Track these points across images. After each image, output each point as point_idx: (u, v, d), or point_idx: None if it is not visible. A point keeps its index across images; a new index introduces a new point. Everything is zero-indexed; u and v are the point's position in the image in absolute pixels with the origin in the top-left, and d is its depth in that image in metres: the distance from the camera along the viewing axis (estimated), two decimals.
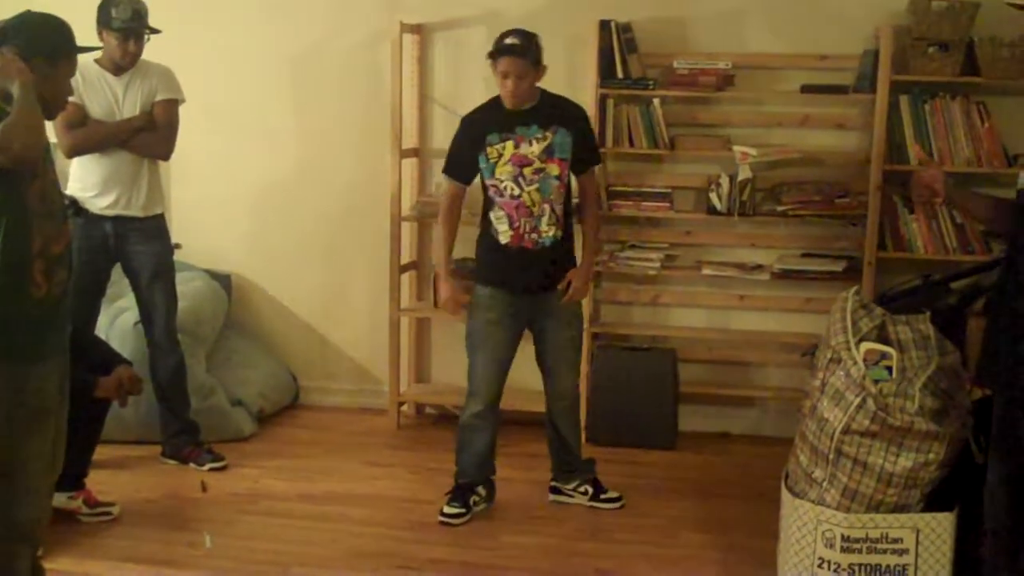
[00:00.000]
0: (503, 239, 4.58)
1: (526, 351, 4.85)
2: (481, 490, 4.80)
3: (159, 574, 4.18)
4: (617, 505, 4.86)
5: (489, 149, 4.52)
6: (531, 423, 5.38)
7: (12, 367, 3.32)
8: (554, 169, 4.52)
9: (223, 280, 6.09)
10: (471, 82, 5.72)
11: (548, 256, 4.59)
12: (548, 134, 4.51)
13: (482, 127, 4.55)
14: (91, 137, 4.96)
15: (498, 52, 4.45)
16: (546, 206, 4.54)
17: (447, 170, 4.68)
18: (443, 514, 4.69)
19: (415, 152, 5.92)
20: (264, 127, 6.07)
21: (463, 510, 4.71)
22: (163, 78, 5.09)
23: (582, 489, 4.90)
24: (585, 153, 4.64)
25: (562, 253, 4.65)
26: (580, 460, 4.93)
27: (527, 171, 4.51)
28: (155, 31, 4.99)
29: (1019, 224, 3.38)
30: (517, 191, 4.52)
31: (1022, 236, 3.34)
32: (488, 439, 4.78)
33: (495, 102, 4.57)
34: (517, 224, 4.55)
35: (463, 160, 4.60)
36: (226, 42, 5.99)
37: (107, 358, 4.58)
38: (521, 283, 4.61)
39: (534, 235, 4.55)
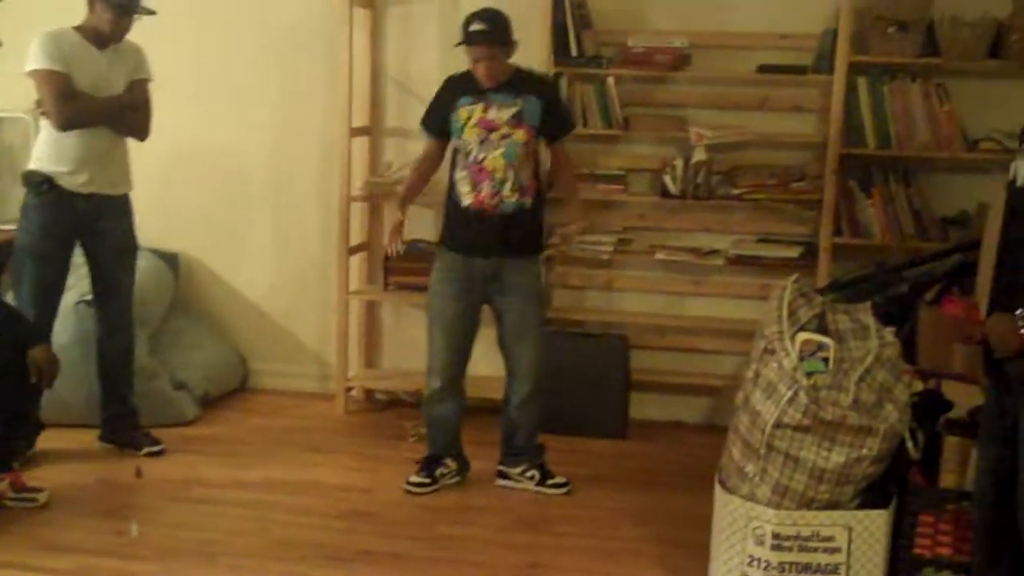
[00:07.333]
0: (464, 200, 4.57)
1: (485, 337, 4.81)
2: (451, 463, 4.81)
3: (80, 563, 4.05)
4: (564, 491, 4.78)
5: (460, 110, 4.54)
6: (481, 409, 5.28)
7: None
8: (521, 136, 4.52)
9: (170, 259, 5.96)
10: (425, 59, 5.62)
11: (507, 221, 4.56)
12: (519, 101, 4.53)
13: (458, 89, 4.58)
14: (86, 111, 4.77)
15: (467, 41, 4.46)
16: (510, 172, 4.53)
17: (423, 121, 4.74)
18: (408, 482, 4.73)
19: (366, 130, 5.78)
20: (213, 103, 5.94)
21: (427, 481, 4.74)
22: (139, 57, 4.97)
23: (529, 474, 4.83)
24: (556, 120, 4.63)
25: (524, 221, 4.61)
26: (531, 446, 4.85)
27: (494, 136, 4.52)
28: (150, 12, 4.84)
29: (1012, 218, 3.18)
30: (482, 155, 4.53)
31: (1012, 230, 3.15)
32: (450, 414, 4.77)
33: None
34: (479, 187, 4.54)
35: (435, 115, 4.66)
36: (175, 14, 5.78)
37: (25, 336, 4.46)
38: (475, 245, 4.57)
39: (495, 200, 4.53)
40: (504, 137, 4.51)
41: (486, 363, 5.05)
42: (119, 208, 5.02)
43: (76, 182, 4.84)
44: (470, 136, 4.52)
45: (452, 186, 4.63)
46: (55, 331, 4.96)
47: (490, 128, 4.51)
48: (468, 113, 4.52)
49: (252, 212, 6.03)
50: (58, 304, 4.97)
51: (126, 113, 4.89)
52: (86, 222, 4.91)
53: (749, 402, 3.62)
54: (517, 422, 4.80)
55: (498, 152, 4.50)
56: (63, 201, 4.83)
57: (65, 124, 4.74)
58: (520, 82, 4.56)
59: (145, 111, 4.97)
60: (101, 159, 4.89)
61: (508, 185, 4.52)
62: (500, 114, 4.50)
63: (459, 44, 4.48)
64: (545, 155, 4.75)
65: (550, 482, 4.80)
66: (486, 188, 4.53)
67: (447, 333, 4.66)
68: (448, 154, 4.70)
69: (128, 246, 5.09)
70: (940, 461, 3.66)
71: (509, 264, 4.60)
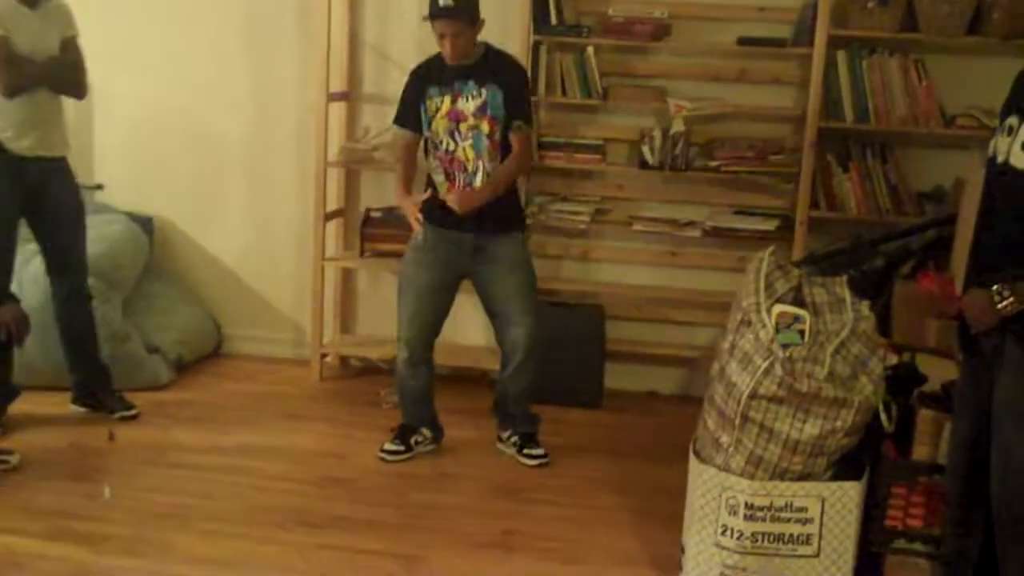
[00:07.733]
0: (441, 189, 4.58)
1: (464, 306, 4.81)
2: (426, 431, 4.83)
3: (52, 525, 4.04)
4: (535, 463, 4.77)
5: (428, 102, 4.54)
6: (462, 378, 5.28)
7: None
8: (486, 127, 4.51)
9: (144, 223, 5.91)
10: (403, 26, 5.57)
11: (484, 206, 4.53)
12: (483, 91, 4.49)
13: (425, 80, 4.57)
14: (29, 75, 4.70)
15: (432, 15, 4.42)
16: (480, 163, 4.53)
17: (396, 120, 4.71)
18: (382, 450, 4.75)
19: (344, 96, 5.74)
20: (190, 66, 5.88)
21: (402, 448, 4.76)
22: (67, 14, 4.90)
23: (513, 440, 4.85)
24: (513, 109, 4.53)
25: (502, 203, 4.59)
26: (518, 412, 4.85)
27: (462, 127, 4.51)
28: None
29: (991, 195, 3.18)
30: (452, 146, 4.53)
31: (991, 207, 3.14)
32: (420, 385, 4.78)
33: (440, 56, 4.53)
34: (452, 177, 4.55)
35: (409, 110, 4.63)
36: None
37: None
38: (457, 221, 4.54)
39: (468, 190, 4.53)
40: (471, 129, 4.50)
41: (472, 332, 5.03)
42: (63, 171, 4.97)
43: (22, 146, 4.77)
44: (439, 127, 4.52)
45: (429, 171, 4.64)
46: (26, 296, 4.91)
47: (458, 119, 4.50)
48: (437, 104, 4.51)
49: (228, 177, 5.98)
50: (12, 267, 4.90)
51: (66, 73, 4.85)
52: (35, 186, 4.83)
53: (725, 373, 3.63)
54: (507, 390, 4.82)
55: (467, 143, 4.51)
56: (10, 165, 4.76)
57: (12, 90, 4.67)
58: (487, 66, 4.51)
59: (82, 69, 4.93)
60: (44, 121, 4.83)
61: (479, 176, 4.53)
62: (468, 105, 4.49)
63: (425, 19, 4.45)
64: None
65: (525, 451, 4.80)
66: (460, 179, 4.54)
67: (417, 301, 4.65)
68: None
69: (79, 208, 5.05)
70: (913, 434, 3.68)
71: (492, 238, 4.60)
